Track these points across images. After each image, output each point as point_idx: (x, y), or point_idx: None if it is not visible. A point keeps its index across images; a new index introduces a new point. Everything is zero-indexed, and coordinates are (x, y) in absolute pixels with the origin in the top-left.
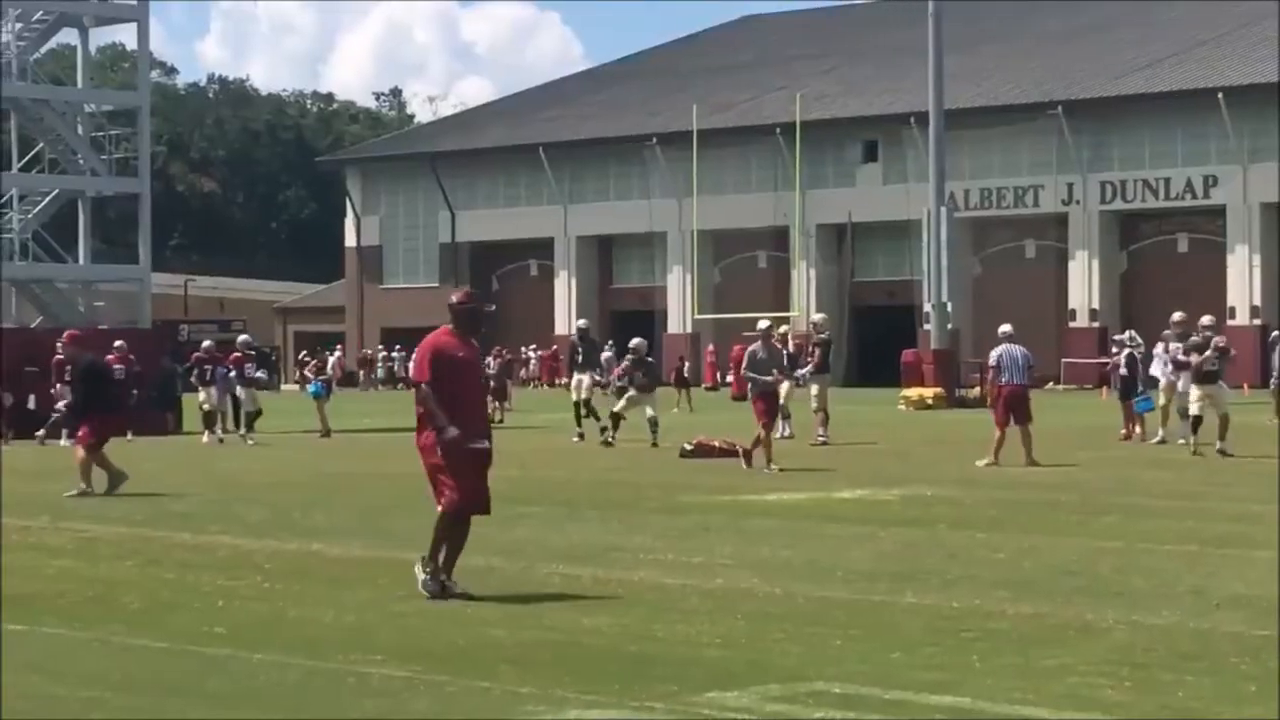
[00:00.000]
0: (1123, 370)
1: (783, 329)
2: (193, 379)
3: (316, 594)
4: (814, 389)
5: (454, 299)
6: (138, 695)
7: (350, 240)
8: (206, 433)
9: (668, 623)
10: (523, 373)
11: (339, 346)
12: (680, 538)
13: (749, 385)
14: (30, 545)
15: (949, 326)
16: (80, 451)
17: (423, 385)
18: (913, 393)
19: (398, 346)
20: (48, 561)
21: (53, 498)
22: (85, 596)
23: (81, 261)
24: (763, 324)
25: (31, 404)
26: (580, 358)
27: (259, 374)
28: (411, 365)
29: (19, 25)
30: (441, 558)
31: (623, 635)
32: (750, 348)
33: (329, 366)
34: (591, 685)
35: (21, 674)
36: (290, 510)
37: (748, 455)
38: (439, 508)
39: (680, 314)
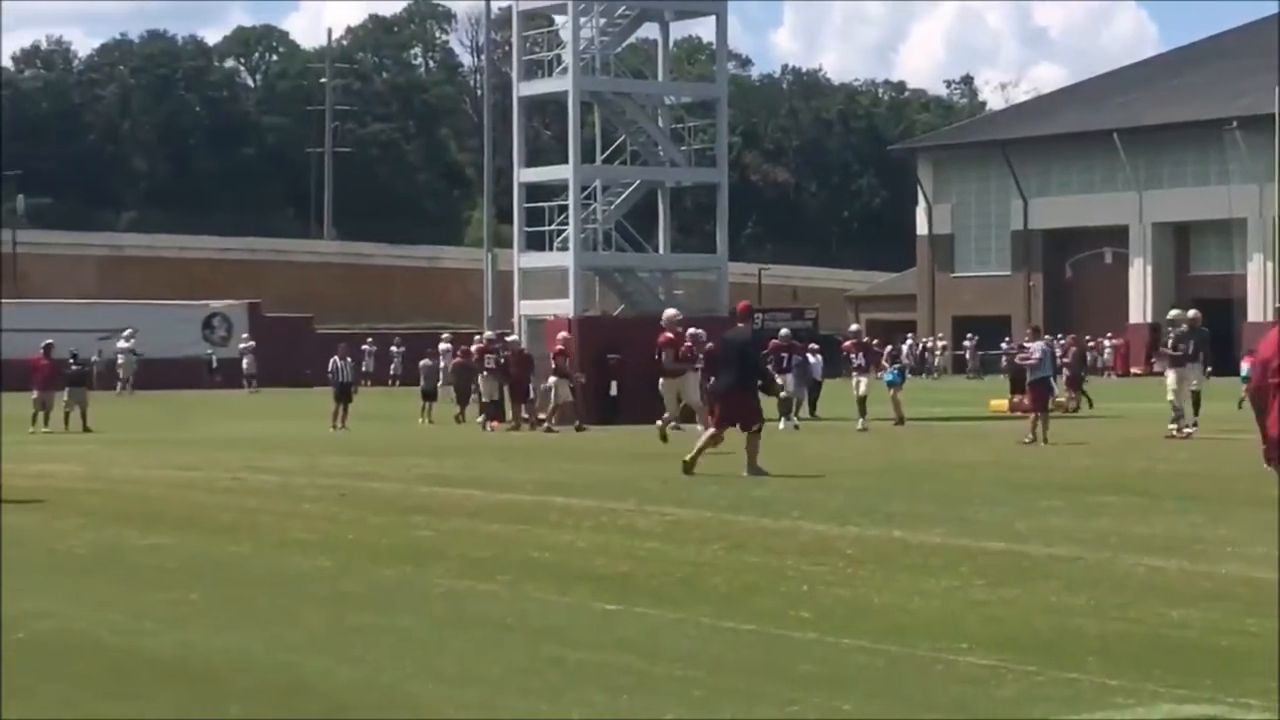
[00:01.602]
0: None
1: None
2: (769, 366)
3: (900, 581)
4: None
5: None
6: (728, 676)
7: (922, 228)
8: (783, 419)
9: (1262, 617)
10: (1098, 362)
11: (909, 335)
12: (1268, 530)
13: None
14: (620, 527)
15: None
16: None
17: None
18: None
19: (970, 335)
20: (638, 543)
21: (639, 481)
22: (674, 578)
23: (661, 250)
24: None
25: (614, 391)
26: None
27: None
28: None
29: (603, 21)
30: None
31: (1213, 629)
32: None
33: (903, 355)
34: (1182, 679)
35: (616, 652)
36: (869, 496)
37: None
38: None
39: (1261, 302)
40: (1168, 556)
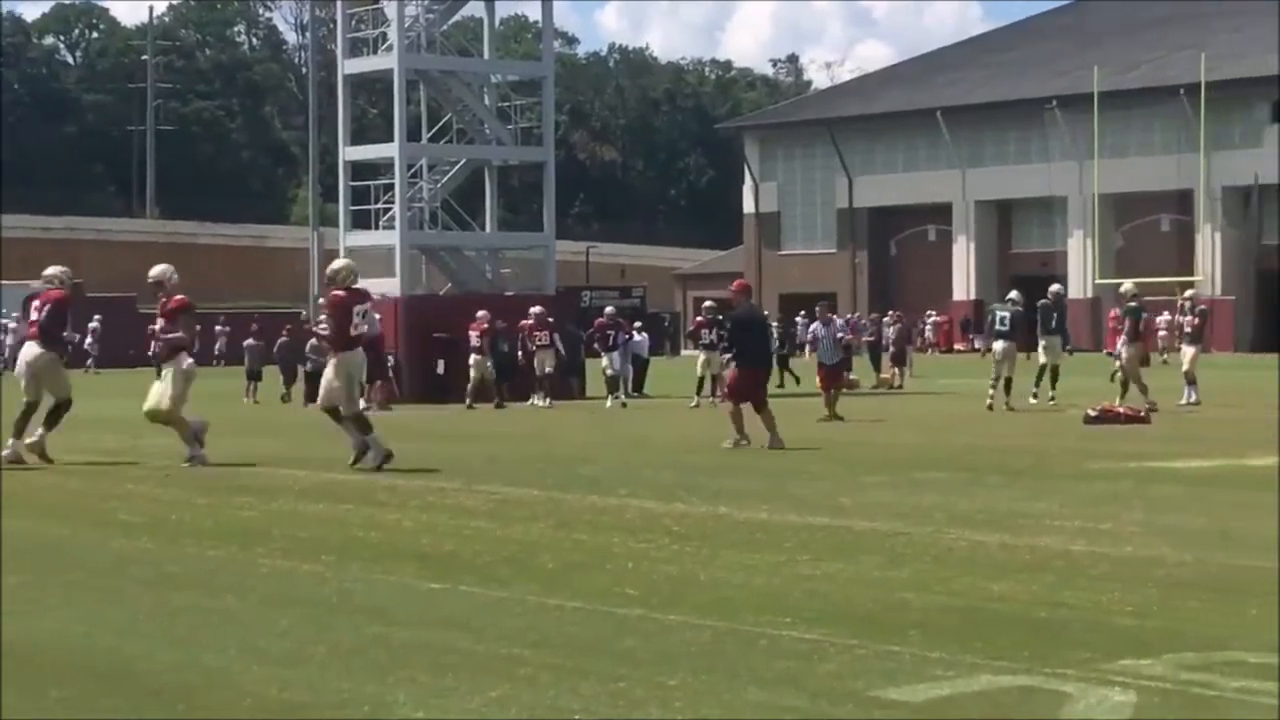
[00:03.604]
0: None
1: (1189, 293)
2: (595, 345)
3: (725, 556)
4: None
5: None
6: (554, 653)
7: (748, 206)
8: (610, 397)
9: (1077, 589)
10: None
11: None
12: (1087, 504)
13: None
14: (447, 506)
15: None
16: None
17: None
18: None
19: (802, 314)
20: (464, 522)
21: (467, 461)
22: (500, 556)
23: (488, 229)
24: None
25: (440, 369)
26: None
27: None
28: None
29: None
30: None
31: (1032, 601)
32: None
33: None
34: (1001, 651)
35: (442, 631)
36: (697, 474)
37: None
38: None
39: (1081, 279)
40: (989, 531)
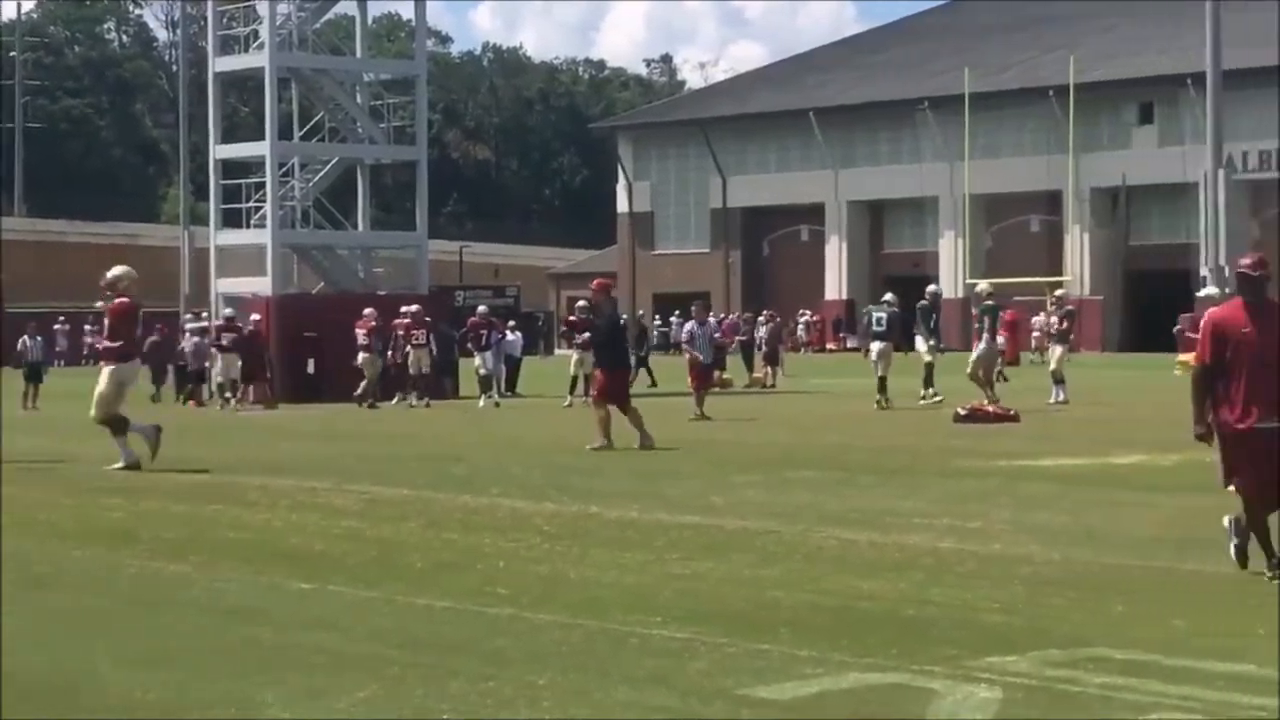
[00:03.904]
0: None
1: (1058, 293)
2: (469, 344)
3: (596, 556)
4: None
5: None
6: (424, 652)
7: (622, 206)
8: (483, 396)
9: (945, 587)
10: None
11: None
12: (957, 502)
13: None
14: (317, 506)
15: (1226, 290)
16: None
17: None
18: (1189, 358)
19: (677, 313)
20: (334, 522)
21: (339, 460)
22: (369, 556)
23: (360, 228)
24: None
25: (310, 369)
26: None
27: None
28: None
29: None
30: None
31: (900, 599)
32: None
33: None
34: (869, 648)
35: (311, 631)
36: (569, 473)
37: None
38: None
39: (952, 278)
40: (860, 529)
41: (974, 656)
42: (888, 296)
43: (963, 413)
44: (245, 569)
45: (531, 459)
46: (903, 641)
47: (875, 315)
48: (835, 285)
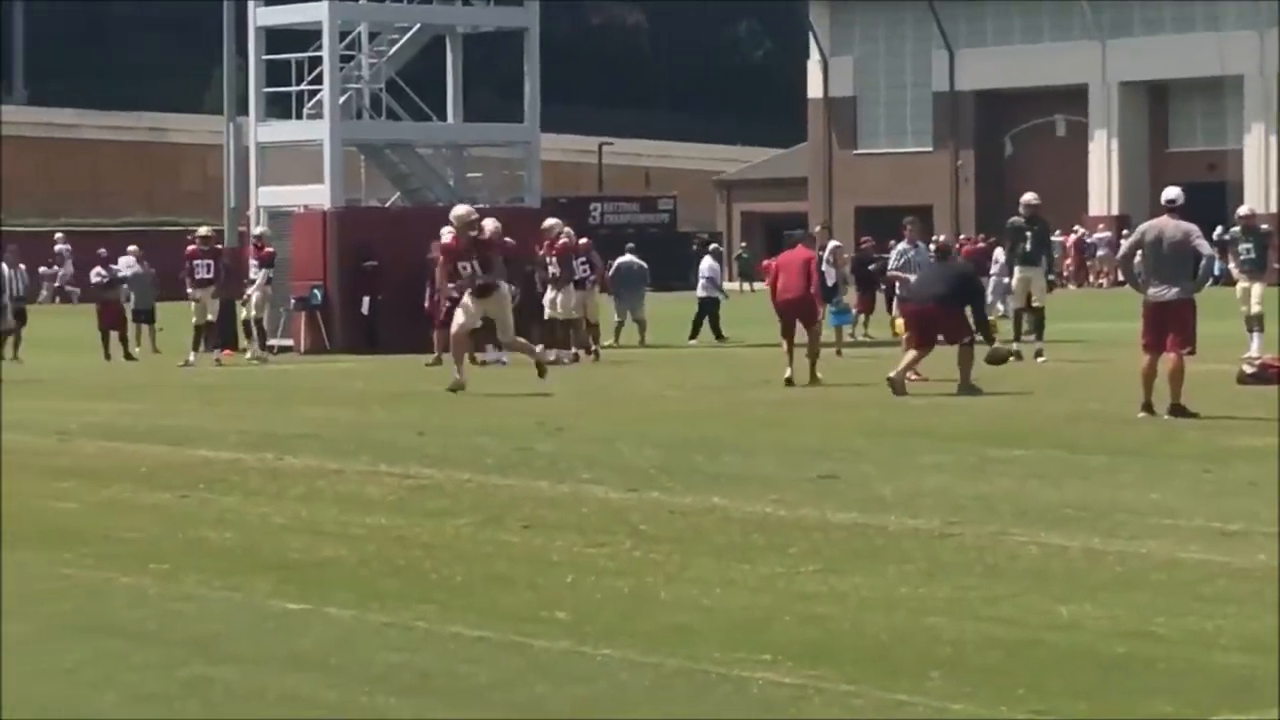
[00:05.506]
0: None
1: None
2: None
3: (702, 568)
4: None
5: None
6: (426, 701)
7: (815, 90)
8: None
9: (1177, 614)
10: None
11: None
12: (1215, 496)
13: None
14: (340, 495)
15: None
16: None
17: None
18: None
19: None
20: (357, 518)
21: (380, 431)
22: (394, 566)
23: (450, 119)
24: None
25: (365, 309)
26: None
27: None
28: None
29: None
30: None
31: (1109, 630)
32: None
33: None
34: (1050, 699)
35: (285, 672)
36: (693, 450)
37: None
38: None
39: (1260, 187)
40: (1074, 531)
41: (1198, 712)
42: (1243, 210)
43: (1249, 370)
44: (218, 582)
45: (657, 431)
46: (1101, 692)
47: (1243, 245)
48: (1102, 196)
